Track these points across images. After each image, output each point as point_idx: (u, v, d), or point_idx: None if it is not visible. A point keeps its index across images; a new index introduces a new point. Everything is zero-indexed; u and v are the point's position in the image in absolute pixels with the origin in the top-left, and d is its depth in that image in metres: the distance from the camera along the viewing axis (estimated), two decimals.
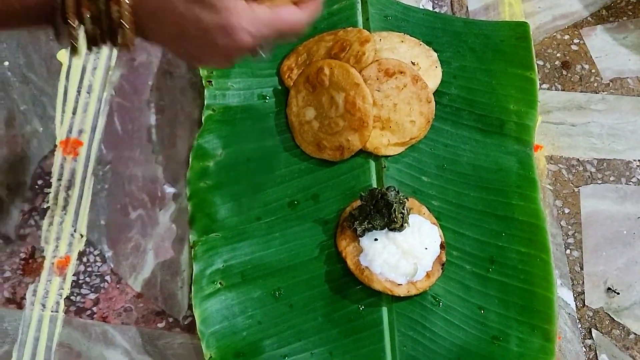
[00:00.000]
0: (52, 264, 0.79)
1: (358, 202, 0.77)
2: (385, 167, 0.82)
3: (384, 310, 0.75)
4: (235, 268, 0.77)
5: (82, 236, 0.81)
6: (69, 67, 0.89)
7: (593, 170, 0.86)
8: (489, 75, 0.88)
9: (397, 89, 0.82)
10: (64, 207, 0.82)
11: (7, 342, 0.75)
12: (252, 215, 0.80)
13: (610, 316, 0.78)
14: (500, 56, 0.89)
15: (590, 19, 0.96)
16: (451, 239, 0.79)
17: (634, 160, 0.87)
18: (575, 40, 0.94)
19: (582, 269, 0.81)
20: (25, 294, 0.78)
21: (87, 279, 0.79)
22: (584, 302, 0.79)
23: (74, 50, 0.53)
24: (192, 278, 0.77)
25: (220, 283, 0.76)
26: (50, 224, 0.81)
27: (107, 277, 0.79)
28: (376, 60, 0.83)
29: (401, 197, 0.75)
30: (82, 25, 0.52)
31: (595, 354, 0.77)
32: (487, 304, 0.76)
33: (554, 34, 0.95)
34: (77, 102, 0.88)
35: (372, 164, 0.83)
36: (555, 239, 0.82)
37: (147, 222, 0.82)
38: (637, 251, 0.81)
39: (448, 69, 0.88)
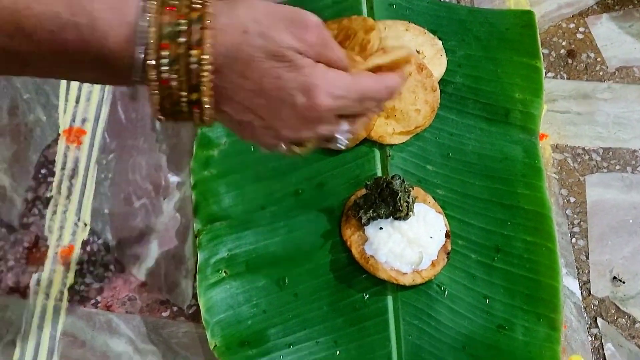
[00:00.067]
0: (56, 253, 0.79)
1: (363, 191, 0.77)
2: (390, 155, 0.82)
3: (389, 299, 0.75)
4: (240, 257, 0.77)
5: (85, 225, 0.80)
6: None
7: (599, 159, 0.86)
8: (494, 64, 0.87)
9: None
10: (68, 196, 0.82)
11: (10, 331, 0.75)
12: (257, 204, 0.79)
13: (616, 305, 0.78)
14: (505, 44, 0.89)
15: (596, 7, 0.96)
16: (456, 228, 0.78)
17: None
18: (581, 29, 0.94)
19: (587, 257, 0.80)
20: (29, 283, 0.77)
21: (91, 268, 0.78)
22: (589, 291, 0.79)
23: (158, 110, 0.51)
24: (196, 267, 0.77)
25: (224, 272, 0.76)
26: (54, 213, 0.81)
27: (111, 266, 0.79)
28: (381, 49, 0.82)
29: (406, 186, 0.75)
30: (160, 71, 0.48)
31: (601, 342, 0.76)
32: (493, 292, 0.76)
33: (560, 23, 0.94)
34: (80, 90, 0.87)
35: (377, 152, 0.82)
36: (561, 227, 0.81)
37: (151, 211, 0.81)
38: None
39: (453, 58, 0.87)
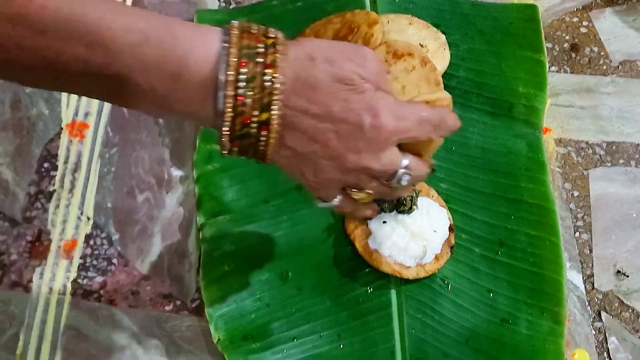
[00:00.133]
0: (59, 246, 0.79)
1: None
2: None
3: (393, 292, 0.75)
4: (243, 251, 0.77)
5: (88, 219, 0.80)
6: None
7: (602, 153, 0.86)
8: (498, 58, 0.87)
9: (406, 71, 0.81)
10: (71, 190, 0.82)
11: (14, 325, 0.75)
12: (260, 197, 0.79)
13: (619, 299, 0.78)
14: (509, 38, 0.89)
15: (600, 1, 0.95)
16: (460, 222, 0.78)
17: None
18: (585, 23, 0.94)
19: (591, 251, 0.80)
20: (32, 277, 0.77)
21: (94, 262, 0.78)
22: (593, 285, 0.79)
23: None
24: (199, 261, 0.77)
25: (228, 266, 0.76)
26: (57, 206, 0.81)
27: (114, 260, 0.79)
28: (384, 42, 0.82)
29: None
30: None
31: (605, 336, 0.76)
32: (496, 286, 0.76)
33: (563, 17, 0.94)
34: None
35: None
36: (565, 221, 0.81)
37: (154, 204, 0.81)
38: None
39: (456, 52, 0.87)
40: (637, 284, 0.79)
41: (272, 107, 0.51)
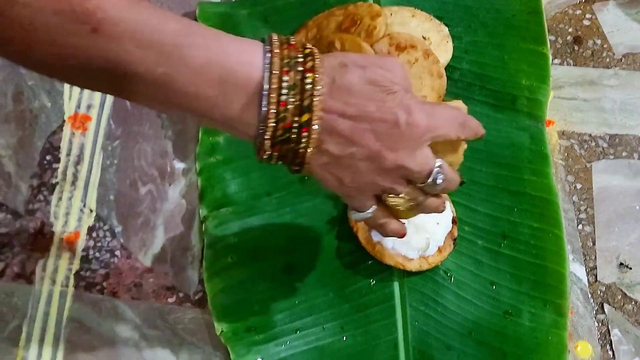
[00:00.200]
0: (62, 239, 0.79)
1: None
2: None
3: (396, 285, 0.75)
4: (246, 243, 0.77)
5: (91, 211, 0.80)
6: None
7: (605, 145, 0.86)
8: (501, 50, 0.87)
9: (409, 64, 0.81)
10: (73, 183, 0.81)
11: (17, 316, 0.75)
12: (263, 190, 0.79)
13: (622, 291, 0.78)
14: (512, 31, 0.88)
15: None
16: (463, 214, 0.78)
17: None
18: (588, 15, 0.94)
19: (594, 244, 0.80)
20: (34, 269, 0.77)
21: (97, 254, 0.78)
22: (596, 277, 0.79)
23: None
24: (202, 253, 0.77)
25: (231, 257, 0.76)
26: (59, 199, 0.81)
27: (117, 252, 0.79)
28: (387, 35, 0.82)
29: None
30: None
31: (608, 328, 0.76)
32: (499, 279, 0.76)
33: (566, 9, 0.94)
34: None
35: None
36: (567, 214, 0.81)
37: (156, 197, 0.81)
38: None
39: (459, 44, 0.87)
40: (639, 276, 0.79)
41: (313, 108, 0.53)
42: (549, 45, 0.87)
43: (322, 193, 0.79)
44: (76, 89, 0.86)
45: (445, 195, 0.77)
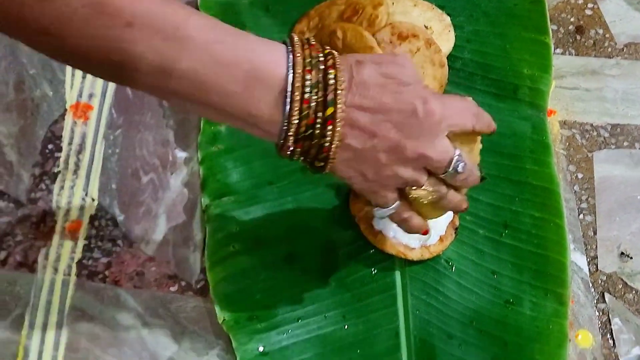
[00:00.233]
0: (64, 228, 0.79)
1: None
2: None
3: (397, 274, 0.75)
4: (248, 232, 0.77)
5: (93, 200, 0.80)
6: None
7: (607, 135, 0.86)
8: (503, 40, 0.87)
9: (411, 53, 0.81)
10: (75, 172, 0.82)
11: (19, 305, 0.75)
12: (265, 179, 0.79)
13: (623, 280, 0.78)
14: (514, 20, 0.88)
15: None
16: None
17: None
18: (590, 5, 0.94)
19: (595, 233, 0.80)
20: (37, 258, 0.77)
21: (99, 243, 0.78)
22: (597, 267, 0.79)
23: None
24: (204, 242, 0.77)
25: (233, 246, 0.76)
26: (62, 188, 0.81)
27: (119, 241, 0.79)
28: (389, 24, 0.82)
29: None
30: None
31: (608, 317, 0.77)
32: (500, 268, 0.76)
33: None
34: None
35: None
36: (569, 203, 0.81)
37: (158, 186, 0.81)
38: None
39: (461, 33, 0.87)
40: None
41: (337, 100, 0.55)
42: (551, 35, 0.87)
43: (324, 182, 0.79)
44: (77, 78, 0.86)
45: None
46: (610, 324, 0.76)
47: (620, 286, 0.78)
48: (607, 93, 0.88)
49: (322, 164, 0.58)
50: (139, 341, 0.74)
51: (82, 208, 0.80)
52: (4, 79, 0.85)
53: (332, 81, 0.55)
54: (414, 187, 0.61)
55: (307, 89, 0.54)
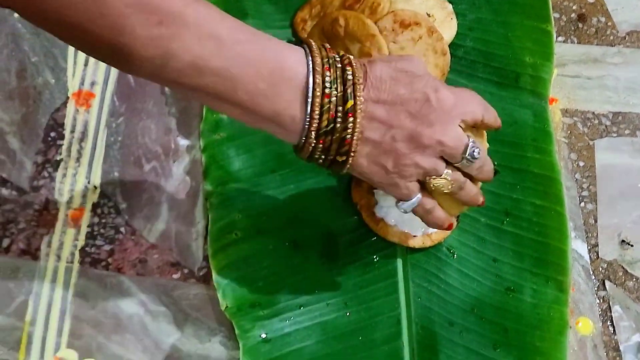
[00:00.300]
0: (66, 215, 0.79)
1: None
2: None
3: (399, 261, 0.76)
4: (251, 219, 0.77)
5: (95, 188, 0.81)
6: None
7: (608, 123, 0.86)
8: (505, 28, 0.87)
9: (413, 41, 0.81)
10: (77, 159, 0.82)
11: (23, 292, 0.75)
12: (267, 167, 0.80)
13: (623, 268, 0.79)
14: (516, 8, 0.88)
15: None
16: None
17: None
18: None
19: (596, 221, 0.81)
20: (39, 246, 0.78)
21: (102, 231, 0.79)
22: (597, 254, 0.79)
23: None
24: (206, 229, 0.77)
25: (235, 234, 0.76)
26: (64, 175, 0.81)
27: (122, 229, 0.79)
28: (391, 12, 0.82)
29: None
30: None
31: (609, 305, 0.77)
32: (502, 255, 0.76)
33: None
34: None
35: None
36: (570, 191, 0.82)
37: (161, 174, 0.82)
38: None
39: (463, 21, 0.87)
40: None
41: (356, 93, 0.58)
42: (553, 23, 0.87)
43: (326, 170, 0.79)
44: (80, 66, 0.86)
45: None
46: (611, 312, 0.77)
47: (621, 274, 0.78)
48: (609, 81, 0.88)
49: (344, 158, 0.60)
50: (141, 328, 0.74)
51: (84, 196, 0.80)
52: (6, 66, 0.85)
53: (350, 76, 0.58)
54: (433, 177, 0.62)
55: (327, 84, 0.57)
